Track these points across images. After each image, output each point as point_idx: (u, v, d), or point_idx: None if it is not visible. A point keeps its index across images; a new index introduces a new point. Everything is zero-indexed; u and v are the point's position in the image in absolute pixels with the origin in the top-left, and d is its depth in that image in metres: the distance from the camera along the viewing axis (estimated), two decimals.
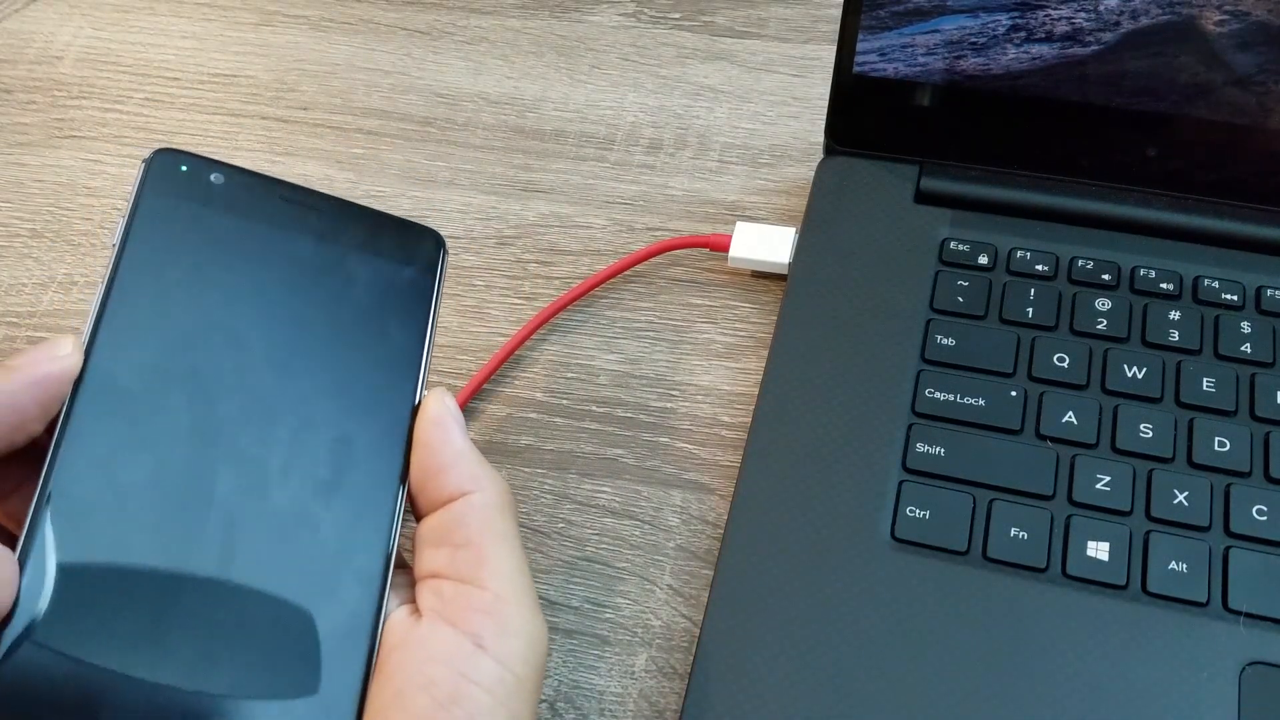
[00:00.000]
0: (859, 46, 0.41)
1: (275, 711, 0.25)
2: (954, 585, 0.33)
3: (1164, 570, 0.33)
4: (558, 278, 0.45)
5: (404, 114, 0.51)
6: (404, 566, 0.29)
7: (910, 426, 0.36)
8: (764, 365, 0.38)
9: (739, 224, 0.44)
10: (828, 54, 0.42)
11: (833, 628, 0.33)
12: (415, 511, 0.29)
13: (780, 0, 0.54)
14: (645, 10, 0.55)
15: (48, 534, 0.25)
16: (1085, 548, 0.33)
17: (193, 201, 0.29)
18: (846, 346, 0.38)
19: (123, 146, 0.51)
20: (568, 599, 0.37)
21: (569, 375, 0.42)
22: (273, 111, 0.52)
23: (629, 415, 0.41)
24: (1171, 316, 0.38)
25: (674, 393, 0.41)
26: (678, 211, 0.47)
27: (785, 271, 0.42)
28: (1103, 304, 0.39)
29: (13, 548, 0.24)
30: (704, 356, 0.42)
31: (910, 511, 0.35)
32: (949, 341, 0.38)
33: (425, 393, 0.30)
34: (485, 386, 0.42)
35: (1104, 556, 0.33)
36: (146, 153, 0.29)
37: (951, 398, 0.37)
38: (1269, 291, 0.39)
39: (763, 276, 0.44)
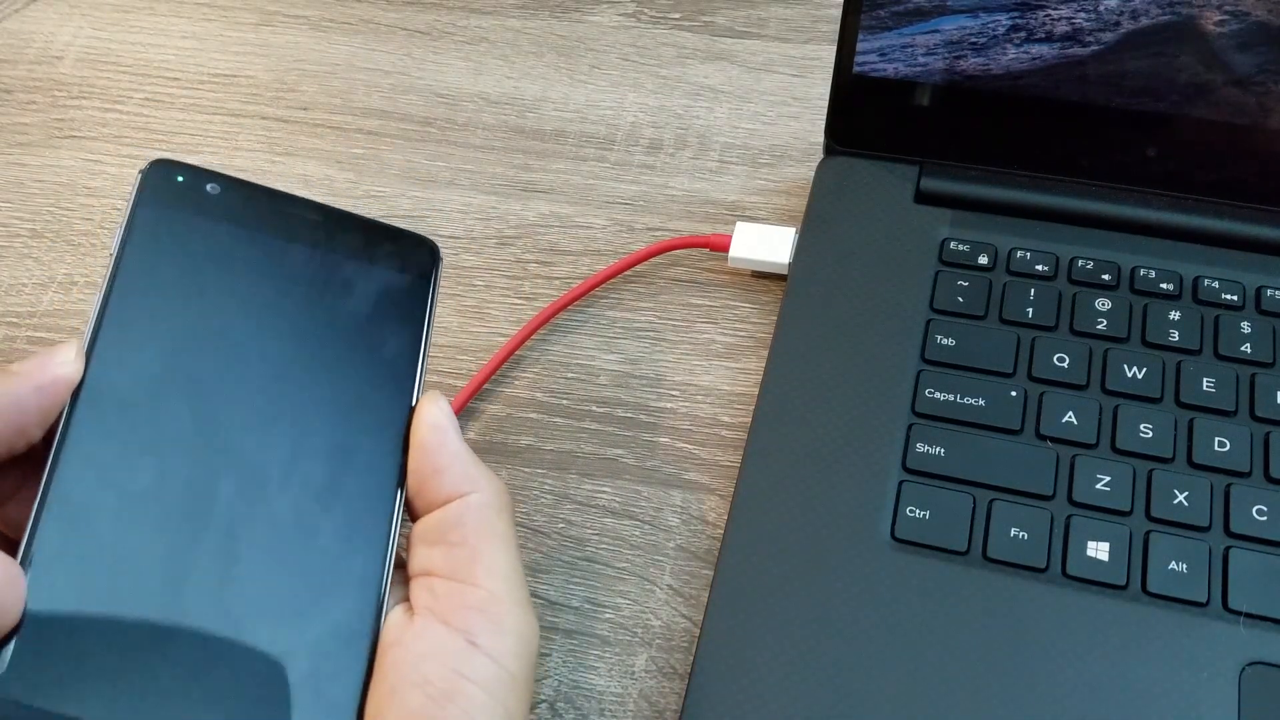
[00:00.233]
0: (859, 46, 0.41)
1: (277, 713, 0.25)
2: (954, 585, 0.33)
3: (1164, 570, 0.33)
4: (558, 278, 0.45)
5: (404, 114, 0.51)
6: (400, 565, 0.29)
7: (910, 426, 0.36)
8: (764, 365, 0.38)
9: (739, 224, 0.44)
10: (828, 54, 0.42)
11: (833, 628, 0.33)
12: (412, 513, 0.29)
13: (780, 0, 0.54)
14: (645, 10, 0.55)
15: (50, 539, 0.25)
16: (1085, 548, 0.34)
17: (189, 211, 0.29)
18: (846, 346, 0.38)
19: (123, 146, 0.51)
20: (568, 599, 0.37)
21: (569, 375, 0.42)
22: (273, 111, 0.52)
23: (629, 415, 0.41)
24: (1171, 316, 0.38)
25: (674, 393, 0.42)
26: (678, 211, 0.47)
27: (785, 271, 0.42)
28: (1103, 304, 0.39)
29: (11, 554, 0.24)
30: (704, 356, 0.42)
31: (910, 511, 0.35)
32: (949, 341, 0.38)
33: (420, 397, 0.30)
34: (485, 386, 0.42)
35: (1104, 556, 0.33)
36: (146, 154, 0.29)
37: (951, 398, 0.37)
38: (1269, 291, 0.39)
39: (763, 276, 0.44)
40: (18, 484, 0.27)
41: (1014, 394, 0.37)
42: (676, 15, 0.54)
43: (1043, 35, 0.39)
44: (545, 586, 0.37)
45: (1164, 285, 0.39)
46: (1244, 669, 0.31)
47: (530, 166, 0.49)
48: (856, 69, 0.41)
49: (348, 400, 0.29)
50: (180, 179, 0.29)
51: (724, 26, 0.53)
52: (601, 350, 0.43)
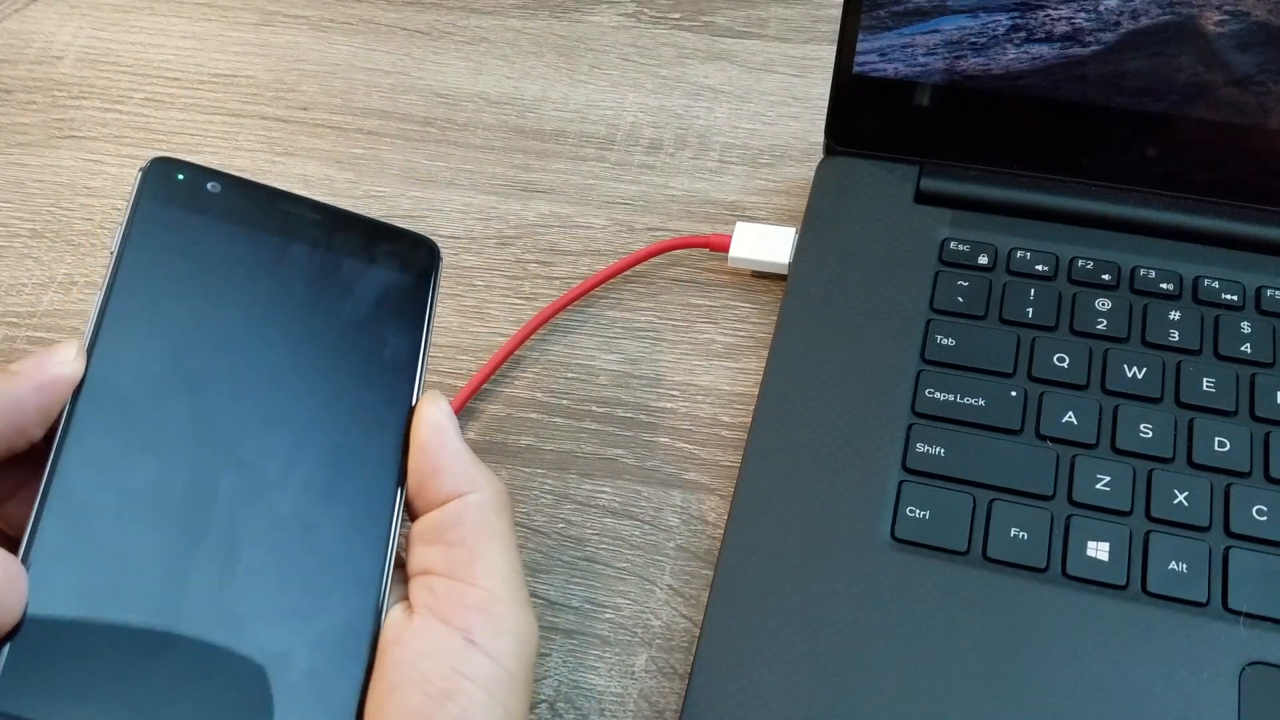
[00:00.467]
0: (859, 46, 0.41)
1: (277, 711, 0.25)
2: (954, 585, 0.33)
3: (1164, 570, 0.33)
4: (558, 278, 0.45)
5: (404, 114, 0.51)
6: (400, 565, 0.29)
7: (910, 426, 0.36)
8: (764, 365, 0.38)
9: (739, 224, 0.44)
10: (828, 54, 0.42)
11: (833, 628, 0.33)
12: (411, 513, 0.29)
13: (780, 0, 0.54)
14: (645, 10, 0.55)
15: (51, 538, 0.25)
16: (1085, 548, 0.34)
17: (189, 210, 0.29)
18: (846, 346, 0.38)
19: (122, 146, 0.51)
20: (568, 599, 0.37)
21: (569, 375, 0.42)
22: (273, 111, 0.52)
23: (629, 415, 0.41)
24: (1171, 316, 0.38)
25: (674, 393, 0.42)
26: (678, 211, 0.47)
27: (785, 271, 0.42)
28: (1103, 304, 0.39)
29: (12, 552, 0.24)
30: (704, 356, 0.42)
31: (910, 511, 0.35)
32: (949, 341, 0.38)
33: (420, 397, 0.30)
34: (485, 386, 0.42)
35: (1104, 556, 0.33)
36: (146, 154, 0.29)
37: (951, 398, 0.37)
38: (1269, 291, 0.39)
39: (763, 276, 0.44)
40: (18, 483, 0.27)
41: (1014, 394, 0.37)
42: (676, 15, 0.54)
43: (1043, 35, 0.39)
44: (545, 586, 0.37)
45: (1164, 285, 0.39)
46: (1244, 669, 0.31)
47: (530, 166, 0.49)
48: (856, 69, 0.41)
49: (348, 399, 0.29)
50: (181, 177, 0.29)
51: (724, 26, 0.53)
52: (601, 350, 0.43)
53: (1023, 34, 0.39)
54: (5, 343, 0.45)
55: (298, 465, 0.28)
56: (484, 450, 0.40)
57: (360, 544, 0.28)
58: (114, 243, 0.28)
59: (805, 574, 0.34)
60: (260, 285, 0.29)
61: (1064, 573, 0.33)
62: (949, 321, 0.39)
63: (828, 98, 0.42)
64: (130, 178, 0.49)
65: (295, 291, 0.29)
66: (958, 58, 0.40)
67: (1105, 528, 0.34)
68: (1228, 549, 0.33)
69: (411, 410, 0.30)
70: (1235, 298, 0.39)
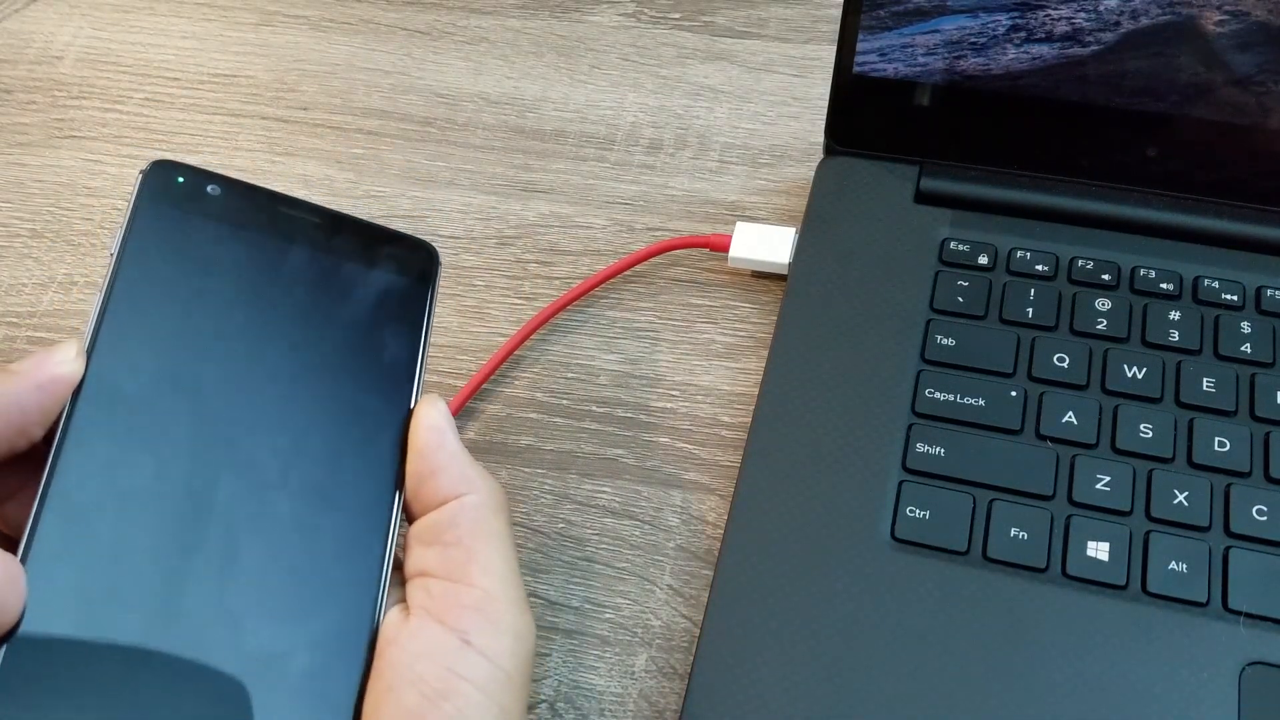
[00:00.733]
0: (859, 46, 0.41)
1: (275, 711, 0.25)
2: (954, 585, 0.33)
3: (1164, 570, 0.33)
4: (558, 278, 0.45)
5: (404, 114, 0.51)
6: (399, 566, 0.29)
7: (910, 426, 0.36)
8: (764, 365, 0.38)
9: (739, 224, 0.44)
10: (828, 54, 0.42)
11: (833, 628, 0.33)
12: (409, 515, 0.29)
13: (780, 0, 0.54)
14: (645, 10, 0.55)
15: (50, 538, 0.25)
16: (1085, 548, 0.34)
17: (189, 212, 0.29)
18: (846, 346, 0.38)
19: (122, 146, 0.51)
20: (568, 599, 0.37)
21: (569, 375, 0.42)
22: (273, 111, 0.52)
23: (629, 415, 0.41)
24: (1171, 316, 0.38)
25: (674, 393, 0.42)
26: (678, 211, 0.47)
27: (785, 271, 0.42)
28: (1103, 304, 0.39)
29: (11, 552, 0.24)
30: (704, 356, 0.42)
31: (910, 511, 0.35)
32: (949, 341, 0.38)
33: (418, 399, 0.30)
34: (485, 386, 0.42)
35: (1104, 556, 0.33)
36: (146, 154, 0.29)
37: (951, 398, 0.37)
38: (1269, 291, 0.39)
39: (763, 276, 0.44)
40: (19, 483, 0.27)
41: (1014, 394, 0.37)
42: (676, 15, 0.54)
43: (1043, 35, 0.39)
44: (545, 586, 0.37)
45: (1164, 285, 0.39)
46: (1244, 669, 0.31)
47: (530, 166, 0.49)
48: (856, 69, 0.41)
49: (347, 402, 0.29)
50: (181, 180, 0.29)
51: (724, 26, 0.53)
52: (601, 350, 0.43)
53: (1023, 34, 0.39)
54: (5, 343, 0.45)
55: (296, 467, 0.28)
56: (484, 450, 0.40)
57: (358, 545, 0.28)
58: (114, 244, 0.28)
59: (805, 574, 0.34)
60: (260, 288, 0.29)
61: (1064, 573, 0.33)
62: (949, 321, 0.39)
63: (828, 98, 0.42)
64: (130, 178, 0.49)
65: (295, 294, 0.30)
66: (958, 58, 0.40)
67: (1105, 528, 0.34)
68: (1228, 549, 0.33)
69: (410, 413, 0.30)
70: (1235, 298, 0.39)
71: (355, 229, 0.31)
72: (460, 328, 0.44)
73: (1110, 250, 0.40)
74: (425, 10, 0.56)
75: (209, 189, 0.30)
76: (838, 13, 0.40)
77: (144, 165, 0.29)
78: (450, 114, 0.51)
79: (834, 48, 0.41)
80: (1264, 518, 0.34)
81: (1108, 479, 0.35)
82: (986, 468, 0.35)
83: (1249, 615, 0.32)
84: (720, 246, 0.44)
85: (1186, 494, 0.34)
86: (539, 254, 0.46)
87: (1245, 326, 0.38)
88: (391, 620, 0.27)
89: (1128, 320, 0.38)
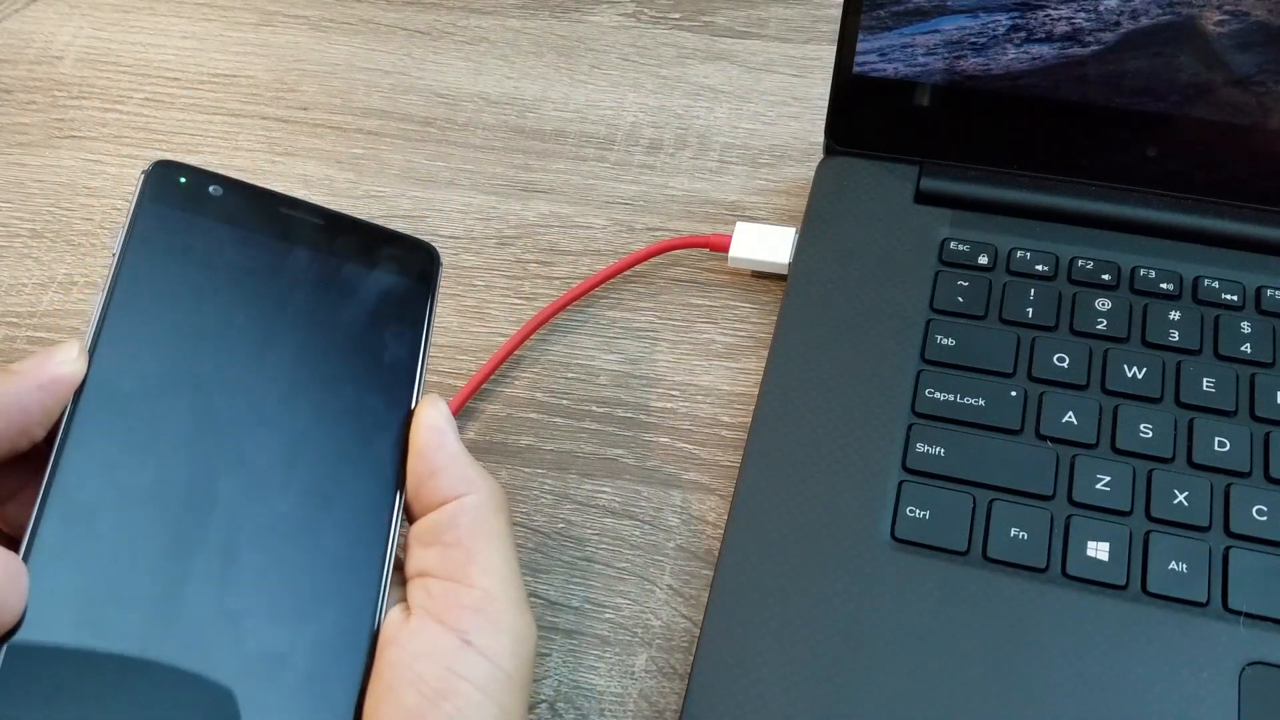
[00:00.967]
0: (859, 46, 0.41)
1: (276, 710, 0.25)
2: (954, 585, 0.33)
3: (1164, 570, 0.33)
4: (558, 278, 0.45)
5: (404, 114, 0.51)
6: (399, 567, 0.29)
7: (910, 426, 0.36)
8: (764, 365, 0.38)
9: (739, 224, 0.44)
10: (828, 54, 0.42)
11: (833, 628, 0.33)
12: (410, 515, 0.29)
13: (780, 0, 0.54)
14: (645, 10, 0.55)
15: (51, 538, 0.25)
16: (1085, 548, 0.34)
17: (191, 213, 0.29)
18: (846, 346, 0.38)
19: (122, 146, 0.51)
20: (568, 599, 0.37)
21: (569, 375, 0.42)
22: (273, 111, 0.52)
23: (629, 415, 0.41)
24: (1171, 316, 0.38)
25: (674, 393, 0.42)
26: (678, 211, 0.47)
27: (785, 271, 0.42)
28: (1103, 304, 0.39)
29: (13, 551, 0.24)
30: (704, 356, 0.42)
31: (910, 511, 0.35)
32: (949, 341, 0.38)
33: (419, 399, 0.30)
34: (485, 386, 0.42)
35: (1104, 556, 0.33)
36: (146, 154, 0.30)
37: (951, 398, 0.37)
38: (1269, 291, 0.39)
39: (763, 276, 0.44)
40: (20, 483, 0.27)
41: (1014, 394, 0.37)
42: (676, 15, 0.54)
43: (1043, 35, 0.39)
44: (545, 586, 0.37)
45: (1164, 285, 0.39)
46: (1244, 669, 0.31)
47: (530, 166, 0.49)
48: (856, 69, 0.41)
49: (348, 402, 0.29)
50: (182, 180, 0.30)
51: (724, 26, 0.53)
52: (601, 350, 0.43)
53: (1023, 34, 0.39)
54: (5, 343, 0.45)
55: (297, 467, 0.28)
56: (484, 450, 0.40)
57: (359, 546, 0.28)
58: (115, 244, 0.28)
59: (805, 574, 0.34)
60: (261, 288, 0.29)
61: (1064, 573, 0.33)
62: (949, 321, 0.39)
63: (828, 98, 0.42)
64: (130, 178, 0.49)
65: (296, 295, 0.30)
66: (958, 58, 0.40)
67: (1105, 528, 0.34)
68: (1228, 549, 0.33)
69: (410, 413, 0.30)
70: (1235, 298, 0.39)
71: (356, 229, 0.31)
72: (460, 328, 0.44)
73: (1110, 250, 0.40)
74: (425, 10, 0.56)
75: (210, 189, 0.30)
76: (838, 13, 0.40)
77: (145, 165, 0.29)
78: (450, 114, 0.51)
79: (834, 48, 0.41)
80: (1264, 518, 0.34)
81: (1108, 479, 0.35)
82: (986, 468, 0.35)
83: (1249, 615, 0.32)
84: (720, 246, 0.44)
85: (1186, 494, 0.34)
86: (539, 254, 0.46)
87: (1245, 326, 0.38)
88: (392, 620, 0.27)
89: (1128, 320, 0.38)
